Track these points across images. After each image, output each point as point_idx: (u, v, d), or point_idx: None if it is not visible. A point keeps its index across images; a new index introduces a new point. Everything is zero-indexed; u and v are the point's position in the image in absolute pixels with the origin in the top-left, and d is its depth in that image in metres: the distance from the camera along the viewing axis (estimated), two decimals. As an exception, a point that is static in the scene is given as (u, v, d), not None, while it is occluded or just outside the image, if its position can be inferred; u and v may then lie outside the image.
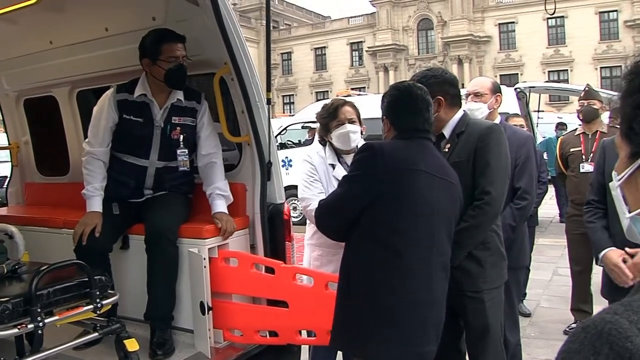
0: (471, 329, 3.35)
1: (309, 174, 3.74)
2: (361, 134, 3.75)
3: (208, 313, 3.40)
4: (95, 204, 3.59)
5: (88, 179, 3.66)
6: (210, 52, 3.73)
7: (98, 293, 2.99)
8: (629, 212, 1.05)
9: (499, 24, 55.25)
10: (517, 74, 52.20)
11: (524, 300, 6.29)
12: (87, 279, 2.98)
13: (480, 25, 55.75)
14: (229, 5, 3.54)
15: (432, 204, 2.71)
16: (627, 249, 3.13)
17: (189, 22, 3.73)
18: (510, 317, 4.13)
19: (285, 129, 14.30)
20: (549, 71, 52.33)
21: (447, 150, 3.27)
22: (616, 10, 50.40)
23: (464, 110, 3.42)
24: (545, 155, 13.64)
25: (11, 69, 4.83)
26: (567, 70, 51.98)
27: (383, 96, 2.99)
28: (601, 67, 50.59)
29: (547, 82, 33.33)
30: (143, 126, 3.70)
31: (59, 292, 2.86)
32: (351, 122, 3.67)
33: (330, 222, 2.86)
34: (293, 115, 20.80)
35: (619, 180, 1.05)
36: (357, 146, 3.63)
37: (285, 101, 63.40)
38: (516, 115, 7.45)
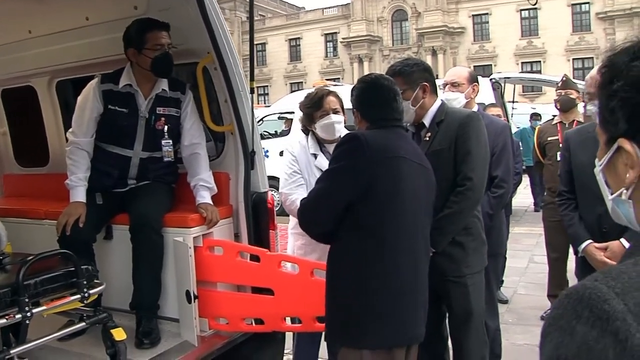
0: (454, 314, 3.42)
1: (290, 165, 3.76)
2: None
3: (194, 301, 3.41)
4: (79, 194, 3.57)
5: (72, 169, 3.64)
6: (194, 41, 3.71)
7: (85, 283, 2.97)
8: (611, 195, 1.12)
9: (473, 15, 55.60)
10: (491, 65, 52.61)
11: (502, 287, 6.38)
12: (73, 269, 2.96)
13: (454, 16, 56.05)
14: (212, -6, 3.54)
15: (414, 190, 2.74)
16: (595, 245, 3.28)
17: (172, 11, 3.71)
18: (490, 303, 4.20)
19: (261, 119, 14.28)
20: (522, 62, 52.83)
21: (427, 139, 3.33)
22: (588, 3, 51.01)
23: (441, 100, 3.48)
24: (519, 146, 13.85)
25: (-12, 58, 4.76)
26: (540, 61, 52.49)
27: (352, 89, 3.00)
28: (573, 59, 51.19)
29: (521, 72, 33.66)
30: (128, 116, 3.69)
31: (46, 282, 2.84)
32: (335, 112, 3.70)
33: (316, 219, 2.80)
34: (269, 106, 20.74)
35: (600, 165, 1.11)
36: (340, 136, 3.67)
37: (260, 92, 63.13)
38: (493, 105, 7.53)
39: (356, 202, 2.63)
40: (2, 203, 4.70)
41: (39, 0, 3.97)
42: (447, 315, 3.53)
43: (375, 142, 2.69)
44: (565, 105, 5.81)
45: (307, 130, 3.82)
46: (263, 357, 3.60)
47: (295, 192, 3.68)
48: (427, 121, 3.38)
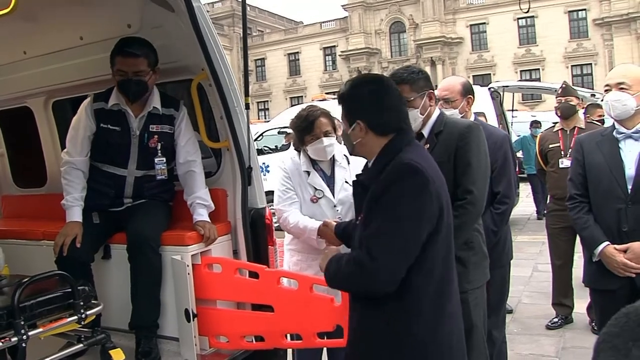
0: None
1: (282, 182, 3.76)
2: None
3: (193, 320, 3.38)
4: (75, 214, 3.56)
5: (67, 189, 3.63)
6: (187, 58, 3.72)
7: (82, 303, 2.95)
8: None
9: (470, 25, 55.78)
10: (490, 74, 52.72)
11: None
12: (70, 290, 2.95)
13: (452, 26, 56.26)
14: (205, 11, 3.53)
15: (449, 217, 2.43)
16: (616, 246, 3.22)
17: (165, 28, 3.72)
18: (498, 314, 4.20)
19: (261, 135, 14.32)
20: (520, 70, 52.96)
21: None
22: (585, 9, 51.16)
23: (439, 109, 3.40)
24: (520, 154, 13.86)
25: (-18, 80, 4.77)
26: (538, 69, 52.64)
27: (349, 93, 2.57)
28: (572, 65, 51.34)
29: (520, 81, 33.72)
30: (120, 135, 3.68)
31: (42, 304, 2.82)
32: (327, 134, 3.65)
33: (393, 275, 2.26)
34: (268, 121, 20.78)
35: None
36: (332, 157, 3.73)
37: (260, 107, 63.26)
38: (479, 114, 7.49)
39: (426, 241, 2.29)
40: (0, 224, 4.68)
41: (34, 21, 3.97)
42: None
43: (430, 167, 2.36)
44: (566, 112, 5.81)
45: (299, 147, 3.80)
46: None
47: (289, 210, 3.67)
48: (425, 132, 3.30)
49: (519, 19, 50.91)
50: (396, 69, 3.45)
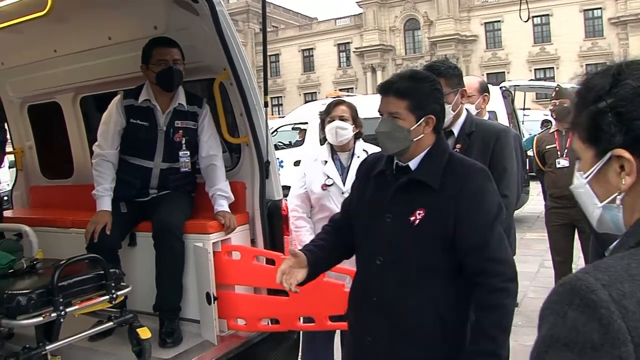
0: None
1: (298, 181, 4.07)
2: (360, 134, 4.00)
3: (214, 303, 3.58)
4: (105, 204, 3.79)
5: (98, 180, 3.85)
6: (210, 58, 3.94)
7: (113, 285, 3.20)
8: (601, 202, 1.24)
9: (485, 23, 55.50)
10: (504, 72, 52.52)
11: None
12: (102, 272, 3.20)
13: (467, 24, 55.98)
14: (227, 15, 3.74)
15: None
16: None
17: (190, 30, 3.93)
18: None
19: (275, 130, 14.45)
20: (535, 69, 52.65)
21: (458, 149, 3.15)
22: (600, 8, 50.78)
23: (466, 109, 3.38)
24: (531, 152, 13.93)
25: (16, 76, 5.02)
26: (553, 67, 52.34)
27: (416, 86, 2.42)
28: (586, 64, 50.84)
29: (532, 80, 33.63)
30: (148, 130, 3.90)
31: (78, 284, 3.07)
32: (342, 119, 3.91)
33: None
34: (283, 117, 20.95)
35: (587, 177, 1.24)
36: (344, 140, 3.93)
37: (274, 103, 63.19)
38: (491, 112, 7.56)
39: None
40: (30, 213, 4.93)
41: (65, 22, 4.19)
42: None
43: None
44: (561, 115, 5.94)
45: (324, 139, 4.06)
46: (279, 355, 3.77)
47: (298, 211, 4.01)
48: (455, 130, 3.27)
49: (533, 17, 50.53)
50: (433, 61, 3.43)
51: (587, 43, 51.39)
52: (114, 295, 3.19)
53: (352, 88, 56.54)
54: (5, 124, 5.23)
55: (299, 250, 2.61)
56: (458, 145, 3.19)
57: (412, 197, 2.40)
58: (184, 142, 3.93)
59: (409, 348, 2.38)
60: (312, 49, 64.90)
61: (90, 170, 4.07)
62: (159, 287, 3.71)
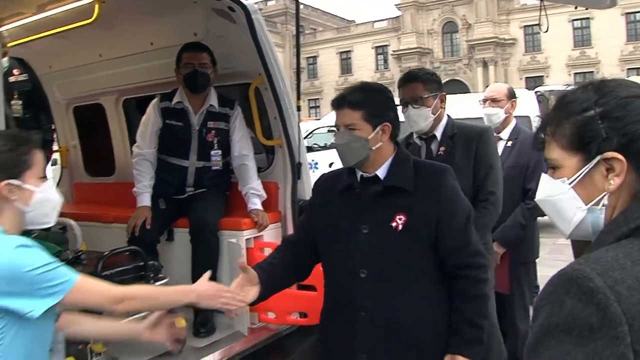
0: None
1: None
2: None
3: (246, 296, 3.76)
4: (145, 200, 4.02)
5: (138, 177, 4.09)
6: (246, 64, 4.14)
7: (151, 275, 3.40)
8: (585, 205, 1.33)
9: (524, 26, 54.82)
10: (543, 76, 51.84)
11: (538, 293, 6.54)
12: (142, 263, 3.40)
13: (505, 27, 55.33)
14: (263, 22, 3.94)
15: None
16: None
17: (227, 37, 4.14)
18: (522, 308, 4.37)
19: (311, 132, 14.59)
20: (574, 73, 51.78)
21: (442, 152, 3.31)
22: (643, 11, 49.97)
23: (447, 114, 3.47)
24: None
25: (63, 79, 5.29)
26: (593, 72, 51.34)
27: (369, 96, 2.53)
28: (628, 69, 50.00)
29: (567, 85, 33.20)
30: (183, 130, 4.12)
31: (119, 274, 3.26)
32: None
33: None
34: (319, 119, 21.10)
35: (572, 182, 1.32)
36: None
37: (311, 105, 63.33)
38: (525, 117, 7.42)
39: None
40: (74, 208, 5.16)
41: (111, 28, 4.43)
42: None
43: None
44: None
45: None
46: (306, 347, 3.88)
47: None
48: (438, 133, 3.37)
49: (573, 20, 49.94)
50: (410, 70, 3.59)
51: (629, 47, 50.46)
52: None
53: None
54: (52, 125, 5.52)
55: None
56: (442, 148, 3.31)
57: (389, 204, 2.44)
58: (215, 142, 4.13)
59: (409, 356, 2.43)
60: (349, 51, 64.84)
61: (130, 169, 4.29)
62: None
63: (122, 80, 4.90)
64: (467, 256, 2.45)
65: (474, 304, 2.43)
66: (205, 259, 3.86)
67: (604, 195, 1.29)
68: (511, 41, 55.22)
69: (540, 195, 1.45)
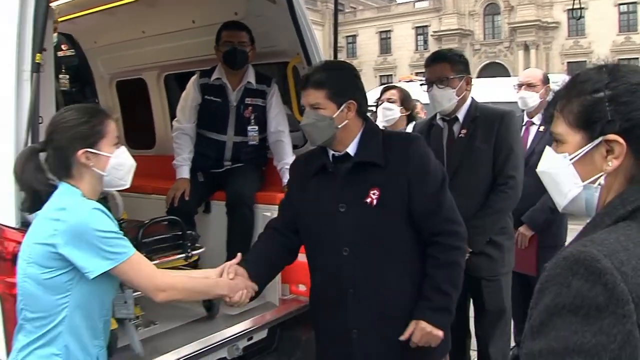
0: (487, 312, 3.47)
1: None
2: (412, 118, 4.32)
3: (278, 267, 3.89)
4: (184, 172, 4.17)
5: (178, 151, 4.24)
6: (285, 43, 4.24)
7: (189, 244, 3.54)
8: (582, 182, 1.37)
9: (568, 9, 53.65)
10: (585, 61, 50.54)
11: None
12: (180, 233, 3.55)
13: (549, 10, 54.16)
14: (302, 2, 4.03)
15: None
16: None
17: (267, 17, 4.25)
18: None
19: (347, 112, 14.62)
20: (619, 59, 50.05)
21: (463, 135, 3.32)
22: (692, -4, 48.57)
23: (471, 97, 3.48)
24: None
25: (107, 54, 5.42)
26: (638, 58, 50.26)
27: (333, 75, 2.58)
28: (675, 56, 48.90)
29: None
30: (221, 105, 4.25)
31: (159, 242, 3.42)
32: (390, 101, 4.51)
33: None
34: (356, 99, 21.05)
35: (573, 158, 1.37)
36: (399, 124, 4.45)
37: (349, 84, 62.92)
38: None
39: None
40: (116, 180, 5.35)
41: (154, 5, 4.57)
42: (475, 314, 3.60)
43: None
44: None
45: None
46: None
47: None
48: (461, 115, 3.38)
49: (620, 4, 48.81)
50: (439, 49, 3.66)
51: (677, 33, 49.20)
52: (190, 254, 3.53)
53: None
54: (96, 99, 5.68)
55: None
56: (463, 131, 3.32)
57: (362, 180, 2.49)
58: (252, 117, 4.25)
59: (399, 328, 2.49)
60: (389, 30, 64.17)
61: (170, 143, 4.45)
62: (230, 251, 4.01)
63: (164, 56, 5.02)
64: (441, 222, 2.50)
65: (444, 271, 2.48)
66: (241, 232, 4.00)
67: (601, 175, 1.33)
68: (554, 24, 54.05)
69: (542, 167, 1.49)
